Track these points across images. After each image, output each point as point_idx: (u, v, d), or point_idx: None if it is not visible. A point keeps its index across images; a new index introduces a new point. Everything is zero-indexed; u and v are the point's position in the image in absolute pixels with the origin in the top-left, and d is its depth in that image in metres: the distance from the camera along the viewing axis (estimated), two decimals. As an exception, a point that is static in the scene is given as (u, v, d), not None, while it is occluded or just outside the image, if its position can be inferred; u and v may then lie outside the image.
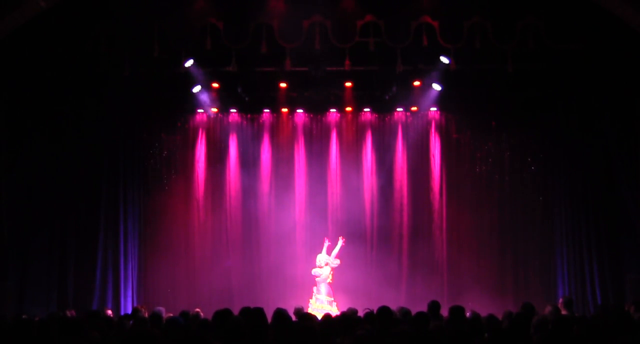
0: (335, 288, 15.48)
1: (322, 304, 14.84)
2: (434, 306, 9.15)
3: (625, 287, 15.28)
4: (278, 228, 16.75)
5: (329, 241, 15.67)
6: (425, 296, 15.16)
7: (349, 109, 17.14)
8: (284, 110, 17.12)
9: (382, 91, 16.31)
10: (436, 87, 15.95)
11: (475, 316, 9.45)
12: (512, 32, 13.48)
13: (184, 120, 17.16)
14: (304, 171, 17.12)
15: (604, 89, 15.33)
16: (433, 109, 17.03)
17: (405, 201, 16.96)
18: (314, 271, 15.40)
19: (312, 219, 16.76)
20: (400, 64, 13.98)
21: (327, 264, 15.37)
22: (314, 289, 15.34)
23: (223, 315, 8.31)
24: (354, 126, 17.31)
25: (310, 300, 15.16)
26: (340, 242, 15.55)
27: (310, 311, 13.90)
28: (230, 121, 17.25)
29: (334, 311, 13.86)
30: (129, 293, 16.17)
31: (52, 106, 15.55)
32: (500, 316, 9.51)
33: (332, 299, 15.13)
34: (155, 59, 13.85)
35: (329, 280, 15.33)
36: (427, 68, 15.24)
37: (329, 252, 15.51)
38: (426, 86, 16.01)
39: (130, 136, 16.63)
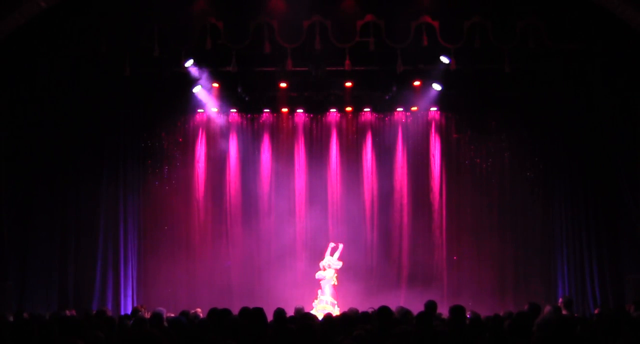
0: (336, 288, 15.47)
1: (325, 305, 14.83)
2: (431, 305, 9.14)
3: (625, 287, 15.29)
4: (278, 228, 16.75)
5: (333, 243, 15.67)
6: (426, 295, 15.16)
7: (349, 109, 17.15)
8: (284, 110, 17.13)
9: (382, 91, 16.32)
10: (436, 87, 15.96)
11: (475, 316, 9.46)
12: (512, 32, 13.47)
13: (184, 120, 17.17)
14: (304, 171, 17.12)
15: (604, 89, 15.32)
16: (433, 109, 17.05)
17: (405, 201, 16.97)
18: (318, 275, 15.39)
19: (312, 219, 16.76)
20: (400, 64, 13.97)
21: (329, 266, 15.36)
22: (319, 291, 15.33)
23: (220, 315, 8.33)
24: (354, 126, 17.32)
25: (314, 301, 15.16)
26: (340, 247, 15.54)
27: (313, 312, 13.89)
28: (230, 121, 17.25)
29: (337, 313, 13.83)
30: (129, 293, 16.17)
31: (51, 107, 15.54)
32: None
33: (336, 301, 15.10)
34: (155, 59, 13.84)
35: (333, 282, 15.32)
36: (427, 68, 15.24)
37: (332, 253, 15.50)
38: (426, 86, 16.02)
39: (130, 136, 16.63)
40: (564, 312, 10.82)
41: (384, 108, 17.10)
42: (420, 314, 7.77)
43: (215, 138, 17.11)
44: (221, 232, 16.97)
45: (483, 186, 16.88)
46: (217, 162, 17.13)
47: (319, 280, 15.39)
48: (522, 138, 16.81)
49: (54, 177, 15.82)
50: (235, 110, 17.18)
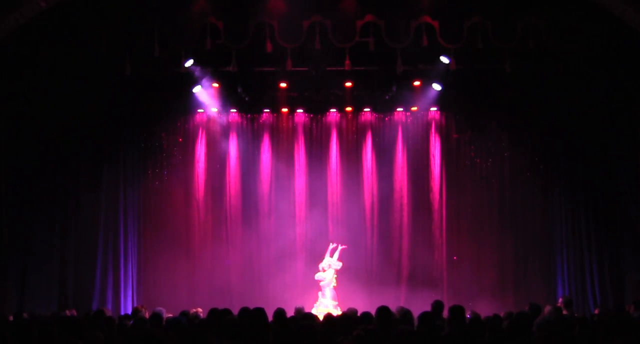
0: (336, 289, 15.45)
1: (326, 309, 14.79)
2: (438, 305, 9.12)
3: (625, 287, 15.30)
4: (278, 228, 16.76)
5: (333, 244, 15.67)
6: (426, 295, 15.22)
7: (349, 109, 17.16)
8: (284, 110, 17.13)
9: (382, 91, 16.32)
10: (436, 87, 15.96)
11: (475, 316, 9.46)
12: (512, 32, 13.47)
13: (184, 120, 17.17)
14: (304, 171, 17.12)
15: (603, 89, 15.34)
16: (433, 109, 17.04)
17: (405, 201, 16.96)
18: (317, 276, 15.38)
19: (312, 219, 16.75)
20: (400, 64, 13.97)
21: (329, 266, 15.36)
22: (319, 293, 15.33)
23: (220, 315, 8.33)
24: (354, 126, 17.31)
25: (314, 304, 15.14)
26: (340, 248, 15.54)
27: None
28: (230, 121, 17.26)
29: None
30: (129, 293, 16.18)
31: (51, 107, 15.54)
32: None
33: (337, 303, 15.08)
34: (155, 59, 13.85)
35: (333, 284, 15.30)
36: (427, 68, 15.24)
37: (332, 254, 15.50)
38: (426, 86, 16.02)
39: (130, 136, 16.63)
40: (564, 312, 10.82)
41: (384, 108, 17.09)
42: (425, 313, 7.75)
43: (215, 138, 17.11)
44: (221, 233, 16.97)
45: (483, 186, 16.87)
46: (217, 162, 17.13)
47: (319, 281, 15.38)
48: (522, 138, 16.80)
49: (54, 177, 15.83)
50: (235, 110, 17.18)
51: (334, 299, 15.15)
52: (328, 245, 15.66)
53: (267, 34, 13.49)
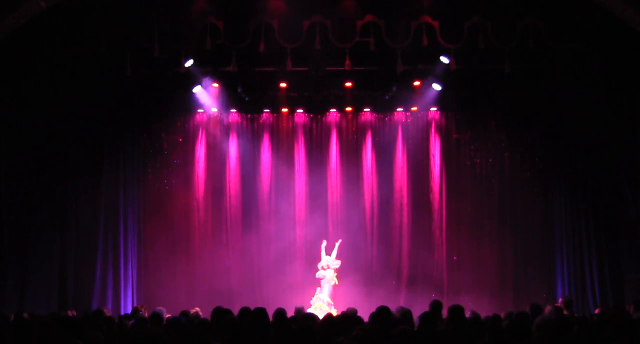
0: (336, 288, 15.46)
1: (321, 304, 14.83)
2: (436, 305, 9.13)
3: (625, 287, 15.29)
4: (278, 228, 16.76)
5: (326, 242, 15.70)
6: (426, 295, 15.24)
7: (349, 109, 17.16)
8: (284, 110, 17.13)
9: (382, 91, 16.32)
10: (436, 87, 15.96)
11: (475, 316, 9.46)
12: (512, 32, 13.48)
13: (184, 120, 17.17)
14: (304, 171, 17.12)
15: (604, 89, 15.33)
16: (433, 109, 17.04)
17: (405, 201, 16.96)
18: (318, 274, 15.41)
19: (312, 219, 16.76)
20: (400, 64, 13.97)
21: (328, 266, 15.37)
22: (317, 289, 15.35)
23: (222, 314, 8.33)
24: (354, 126, 17.32)
25: (312, 299, 15.16)
26: (337, 243, 15.57)
27: (311, 310, 13.91)
28: (230, 121, 17.26)
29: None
30: (129, 293, 16.16)
31: (51, 107, 15.53)
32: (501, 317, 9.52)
33: (333, 303, 15.07)
34: (155, 59, 13.85)
35: (334, 282, 15.32)
36: (427, 68, 15.24)
37: (328, 252, 15.53)
38: (426, 86, 16.03)
39: (130, 136, 16.63)
40: (564, 312, 10.82)
41: (384, 108, 17.09)
42: (425, 314, 7.75)
43: (215, 138, 17.12)
44: (221, 233, 16.97)
45: (483, 186, 16.87)
46: (217, 163, 17.13)
47: (320, 279, 15.40)
48: (522, 138, 16.80)
49: (54, 177, 15.80)
50: (235, 110, 17.18)
51: (330, 297, 15.16)
52: (326, 244, 15.68)
53: (267, 34, 13.49)
